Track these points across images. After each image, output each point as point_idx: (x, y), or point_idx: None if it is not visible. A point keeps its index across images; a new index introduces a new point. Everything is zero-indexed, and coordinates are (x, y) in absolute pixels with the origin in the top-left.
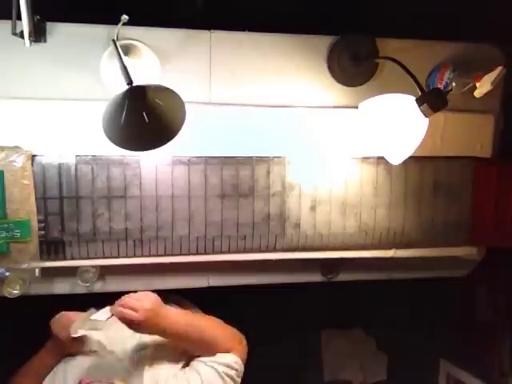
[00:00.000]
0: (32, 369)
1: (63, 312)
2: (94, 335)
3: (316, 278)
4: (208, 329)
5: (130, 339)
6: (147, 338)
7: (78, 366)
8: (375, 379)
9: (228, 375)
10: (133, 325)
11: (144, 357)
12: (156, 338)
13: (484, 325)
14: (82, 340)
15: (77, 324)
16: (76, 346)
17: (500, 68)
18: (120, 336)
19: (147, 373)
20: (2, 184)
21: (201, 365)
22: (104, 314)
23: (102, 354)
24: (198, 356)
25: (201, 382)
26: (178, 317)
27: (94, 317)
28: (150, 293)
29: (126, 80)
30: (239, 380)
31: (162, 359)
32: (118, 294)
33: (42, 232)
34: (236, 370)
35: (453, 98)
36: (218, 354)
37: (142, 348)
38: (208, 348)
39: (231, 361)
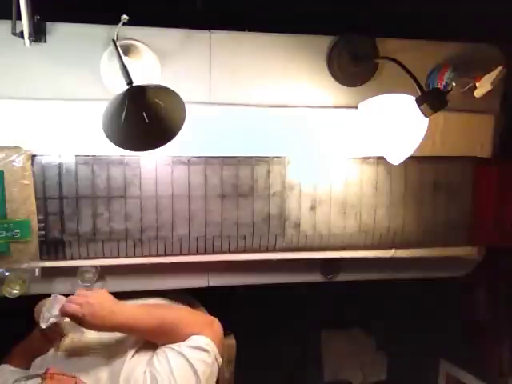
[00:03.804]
0: (23, 349)
1: (45, 299)
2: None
3: (316, 277)
4: (169, 317)
5: (113, 336)
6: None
7: (57, 355)
8: (375, 379)
9: (198, 359)
10: (76, 319)
11: (128, 353)
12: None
13: (484, 325)
14: (55, 328)
15: (42, 314)
16: (51, 334)
17: (500, 68)
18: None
19: (124, 372)
20: (1, 184)
21: (170, 352)
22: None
23: (84, 348)
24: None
25: (169, 371)
26: (132, 311)
27: (55, 309)
28: (100, 289)
29: (125, 80)
30: (210, 361)
31: (140, 355)
32: (118, 294)
33: (42, 232)
34: (207, 351)
35: (453, 98)
36: (189, 338)
37: (130, 342)
38: (173, 336)
39: (202, 342)
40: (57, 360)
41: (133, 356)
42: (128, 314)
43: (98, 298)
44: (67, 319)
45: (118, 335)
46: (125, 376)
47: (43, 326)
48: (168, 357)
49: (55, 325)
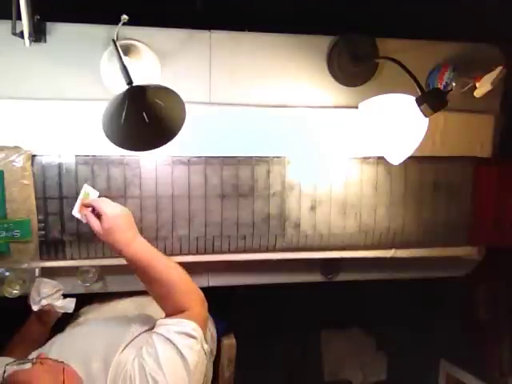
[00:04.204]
0: (20, 337)
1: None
2: (92, 312)
3: (316, 277)
4: (170, 273)
5: (124, 321)
6: (135, 325)
7: (58, 341)
8: (375, 379)
9: (187, 346)
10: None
11: (123, 342)
12: (145, 323)
13: (484, 325)
14: (47, 311)
15: (31, 298)
16: (45, 316)
17: (500, 68)
18: (116, 316)
19: (116, 360)
20: (1, 184)
21: (157, 339)
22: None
23: (88, 331)
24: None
25: (157, 361)
26: (141, 248)
27: (42, 289)
28: (122, 212)
29: (125, 80)
30: (199, 347)
31: (132, 346)
32: (118, 294)
33: (42, 232)
34: (195, 337)
35: (453, 98)
36: (176, 320)
37: (131, 330)
38: (165, 294)
39: (190, 328)
40: (51, 350)
41: (127, 345)
42: (141, 251)
43: (113, 223)
44: (58, 300)
45: (113, 325)
46: (116, 363)
47: (35, 308)
48: (155, 345)
49: (48, 306)
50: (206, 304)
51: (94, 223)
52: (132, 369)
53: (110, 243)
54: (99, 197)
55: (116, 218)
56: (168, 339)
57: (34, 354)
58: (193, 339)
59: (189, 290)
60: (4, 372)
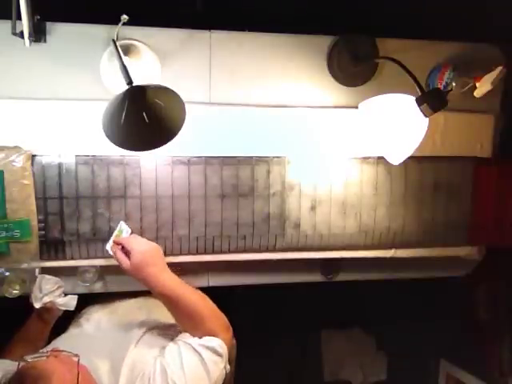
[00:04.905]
0: (20, 337)
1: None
2: (95, 312)
3: (316, 277)
4: (197, 304)
5: (126, 322)
6: (144, 324)
7: (60, 344)
8: (375, 379)
9: (212, 360)
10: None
11: (131, 341)
12: (151, 323)
13: (484, 325)
14: (49, 308)
15: (33, 295)
16: (46, 314)
17: (500, 68)
18: (118, 317)
19: (127, 360)
20: (1, 184)
21: (184, 346)
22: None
23: (92, 331)
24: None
25: (180, 366)
26: (168, 279)
27: (44, 286)
28: (149, 248)
29: (125, 80)
30: (223, 366)
31: (145, 344)
32: (118, 294)
33: (42, 232)
34: (220, 355)
35: (453, 98)
36: (204, 337)
37: (135, 332)
38: (192, 324)
39: (216, 344)
40: (67, 343)
41: (136, 344)
42: (168, 284)
43: (142, 259)
44: (60, 298)
45: (117, 326)
46: (129, 363)
47: (37, 305)
48: (181, 351)
49: (49, 304)
50: (231, 330)
51: (122, 260)
52: (153, 370)
53: (139, 279)
54: (131, 234)
55: (143, 254)
56: (195, 349)
57: (30, 357)
58: (218, 356)
59: (215, 318)
60: (19, 364)
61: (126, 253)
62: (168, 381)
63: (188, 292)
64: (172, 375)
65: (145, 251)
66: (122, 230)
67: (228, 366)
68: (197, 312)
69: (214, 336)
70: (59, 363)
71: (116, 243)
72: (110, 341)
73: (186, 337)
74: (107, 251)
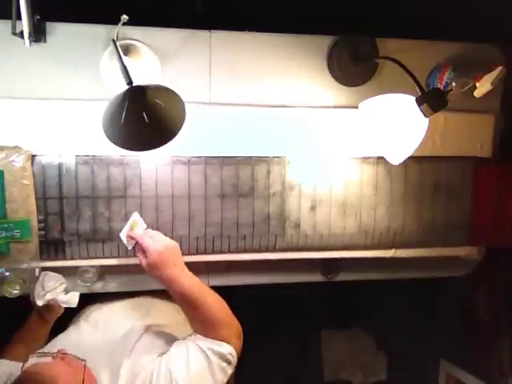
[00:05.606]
0: (20, 336)
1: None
2: (94, 312)
3: (316, 277)
4: (215, 309)
5: (124, 322)
6: (142, 324)
7: (59, 344)
8: (375, 379)
9: (220, 366)
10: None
11: (130, 342)
12: (148, 323)
13: (484, 325)
14: (51, 307)
15: (35, 292)
16: (47, 313)
17: (500, 68)
18: (115, 318)
19: (126, 360)
20: (1, 184)
21: (192, 348)
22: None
23: (91, 331)
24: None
25: (186, 368)
26: (186, 280)
27: (47, 283)
28: (166, 247)
29: (125, 80)
30: (230, 373)
31: (144, 345)
32: (121, 294)
33: (42, 232)
34: (230, 362)
35: (453, 98)
36: (216, 341)
37: (134, 333)
38: (207, 327)
39: (226, 351)
40: (65, 343)
41: (135, 345)
42: (188, 285)
43: (159, 256)
44: (62, 294)
45: (116, 327)
46: (128, 364)
47: (40, 303)
48: (189, 352)
49: (52, 301)
50: (242, 335)
51: (138, 257)
52: (157, 370)
53: (156, 278)
54: (146, 229)
55: (160, 255)
56: (204, 352)
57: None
58: (227, 363)
59: (231, 325)
60: (23, 366)
61: (142, 249)
62: (171, 380)
63: (206, 295)
64: (176, 376)
65: (161, 252)
66: (137, 222)
67: (231, 372)
68: (213, 316)
69: (226, 342)
70: (64, 367)
71: (131, 238)
72: (109, 341)
73: (196, 338)
74: (120, 238)
